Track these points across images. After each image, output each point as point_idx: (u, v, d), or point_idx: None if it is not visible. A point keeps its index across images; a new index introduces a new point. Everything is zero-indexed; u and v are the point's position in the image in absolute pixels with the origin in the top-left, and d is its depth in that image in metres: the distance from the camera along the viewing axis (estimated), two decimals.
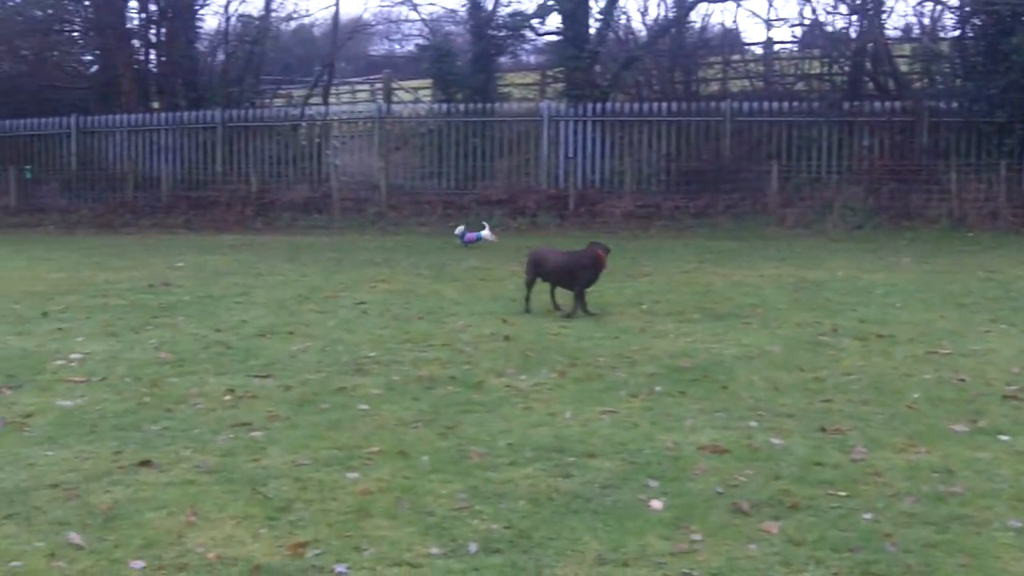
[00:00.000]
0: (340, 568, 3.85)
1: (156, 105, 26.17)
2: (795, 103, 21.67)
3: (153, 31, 26.81)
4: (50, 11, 26.83)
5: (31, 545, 4.01)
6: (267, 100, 27.75)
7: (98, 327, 9.24)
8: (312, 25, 39.53)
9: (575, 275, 9.82)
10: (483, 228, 16.80)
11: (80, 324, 9.42)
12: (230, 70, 26.56)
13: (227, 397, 6.52)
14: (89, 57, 28.38)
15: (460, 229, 17.02)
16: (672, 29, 24.66)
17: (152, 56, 27.22)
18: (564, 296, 9.99)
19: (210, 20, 34.53)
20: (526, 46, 26.92)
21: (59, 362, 7.65)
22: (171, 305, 10.58)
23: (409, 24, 31.45)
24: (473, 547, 4.05)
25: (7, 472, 4.94)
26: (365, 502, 4.55)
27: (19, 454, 5.24)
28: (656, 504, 4.55)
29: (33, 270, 14.09)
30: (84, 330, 9.09)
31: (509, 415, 6.09)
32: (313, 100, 26.71)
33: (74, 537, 4.07)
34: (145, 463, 5.05)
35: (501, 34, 24.05)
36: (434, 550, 4.02)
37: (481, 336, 8.71)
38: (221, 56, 27.36)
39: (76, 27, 28.12)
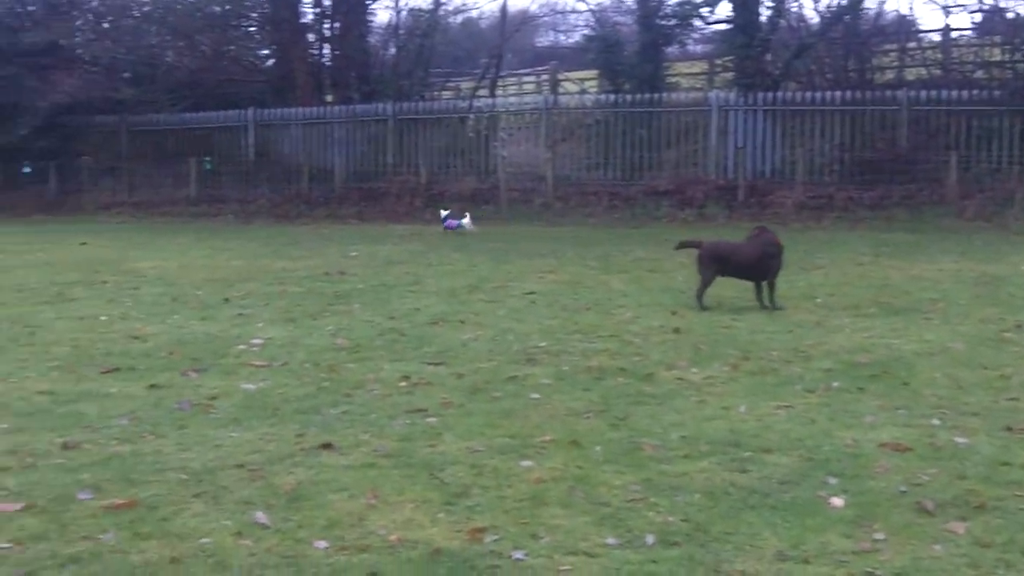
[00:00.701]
0: (518, 555, 3.87)
1: (330, 98, 26.89)
2: (975, 91, 20.82)
3: (327, 26, 27.56)
4: (228, 7, 27.85)
5: (219, 523, 4.16)
6: (436, 93, 28.20)
7: (277, 313, 9.55)
8: (479, 18, 39.96)
9: (767, 265, 9.56)
10: (464, 217, 18.51)
11: (260, 310, 9.75)
12: (401, 63, 27.08)
13: (402, 383, 6.64)
14: (265, 52, 29.37)
15: (444, 213, 18.71)
16: (846, 16, 23.98)
17: (326, 50, 27.97)
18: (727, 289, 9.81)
19: (381, 15, 35.31)
20: (694, 35, 26.61)
21: (241, 347, 7.93)
22: (346, 293, 10.86)
23: (576, 15, 31.56)
24: (650, 539, 4.02)
25: (195, 452, 5.13)
26: (539, 490, 4.57)
27: (206, 435, 5.45)
28: (837, 501, 4.43)
29: (214, 258, 14.67)
30: (264, 316, 9.40)
31: (681, 408, 6.02)
32: (480, 92, 27.00)
33: (260, 516, 4.20)
34: (326, 446, 5.19)
35: (669, 23, 23.82)
36: (610, 540, 4.00)
37: (650, 328, 8.65)
38: (392, 50, 27.92)
39: (253, 22, 29.12)
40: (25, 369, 7.14)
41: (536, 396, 6.32)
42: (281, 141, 25.12)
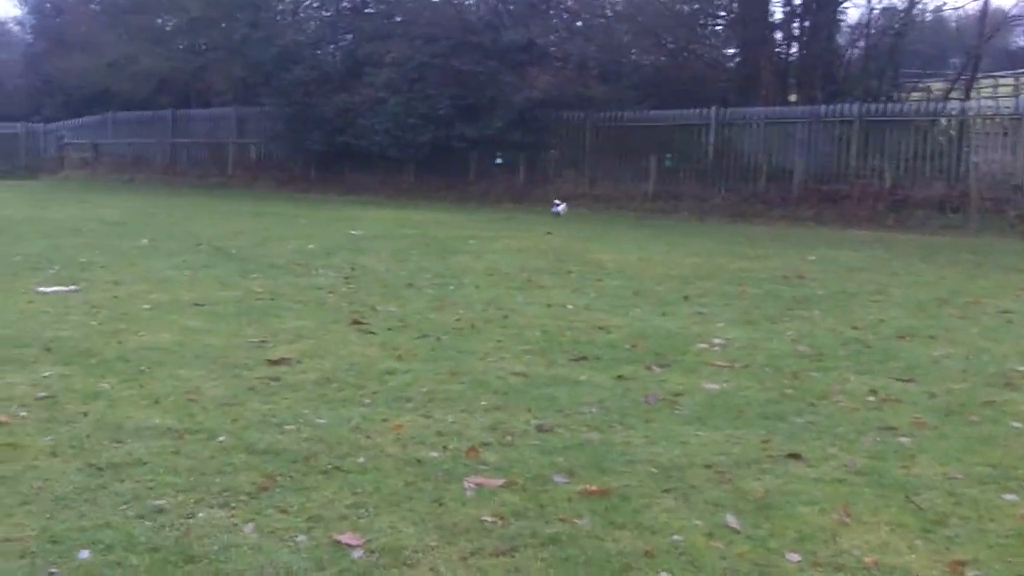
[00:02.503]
0: None
1: (793, 98, 26.48)
2: None
3: (796, 24, 27.13)
4: (696, 6, 28.19)
5: (689, 521, 4.19)
6: (904, 94, 26.97)
7: (736, 314, 9.53)
8: (952, 17, 37.77)
9: None
10: (562, 204, 22.97)
11: (718, 310, 9.77)
12: (870, 63, 26.14)
13: (870, 398, 6.39)
14: (731, 51, 29.41)
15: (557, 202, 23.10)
16: None
17: (793, 49, 27.58)
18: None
19: (851, 12, 34.31)
20: None
21: (701, 345, 7.98)
22: (805, 298, 10.64)
23: None
24: None
25: (663, 447, 5.22)
26: None
27: (671, 431, 5.52)
28: None
29: (671, 254, 14.91)
30: (723, 316, 9.42)
31: None
32: (953, 94, 25.49)
33: (731, 520, 4.19)
34: (793, 455, 5.09)
35: None
36: None
37: None
38: (860, 48, 27.03)
39: (720, 21, 29.26)
40: (501, 350, 7.61)
41: (1017, 425, 5.84)
42: (741, 140, 25.07)
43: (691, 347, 7.90)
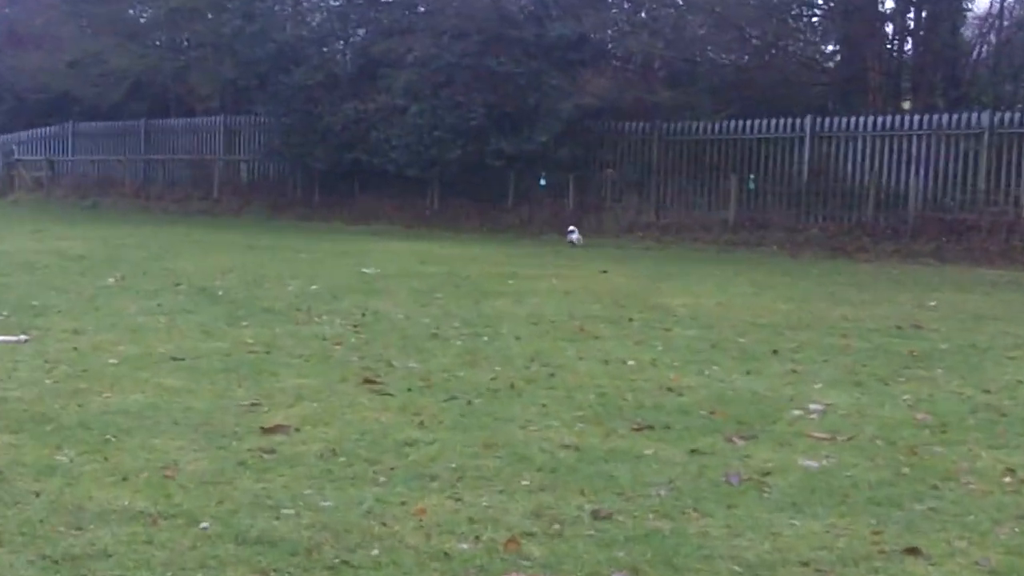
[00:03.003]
0: None
1: (907, 106, 26.45)
2: None
3: (911, 15, 27.12)
4: None
5: None
6: None
7: (839, 373, 9.47)
8: None
9: None
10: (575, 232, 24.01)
11: (817, 368, 9.72)
12: (1002, 62, 26.08)
13: (1006, 479, 6.32)
14: (830, 47, 29.45)
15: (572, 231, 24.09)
16: None
17: (907, 46, 27.56)
18: None
19: (980, 1, 34.27)
20: None
21: (796, 412, 7.93)
22: (925, 353, 10.57)
23: None
24: None
25: (748, 539, 5.18)
26: None
27: (760, 519, 5.48)
28: None
29: (757, 298, 14.88)
30: (822, 375, 9.36)
31: None
32: None
33: None
34: (911, 550, 5.04)
35: None
36: None
37: None
38: (991, 44, 26.97)
39: (817, 11, 29.31)
40: (547, 416, 7.60)
41: None
42: (843, 157, 25.05)
43: (783, 414, 7.85)
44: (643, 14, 30.07)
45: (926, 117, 24.34)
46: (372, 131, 29.28)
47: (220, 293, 13.99)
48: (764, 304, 14.14)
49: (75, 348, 9.79)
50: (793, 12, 29.19)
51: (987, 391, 8.85)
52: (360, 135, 29.51)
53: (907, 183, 23.65)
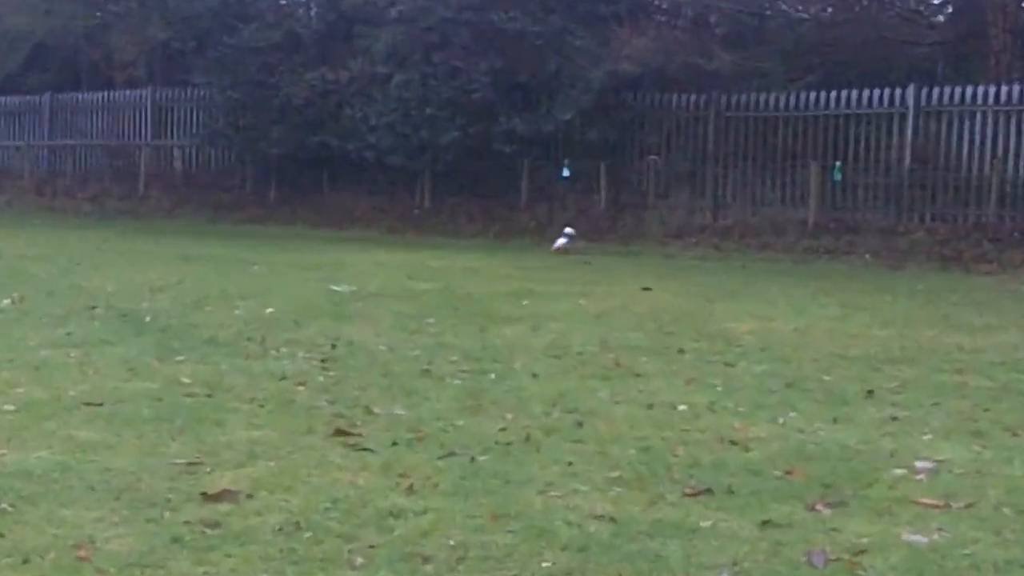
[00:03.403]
0: None
1: None
2: None
3: None
4: None
5: None
6: None
7: (953, 420, 9.44)
8: None
9: None
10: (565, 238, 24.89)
11: (924, 412, 9.69)
12: None
13: None
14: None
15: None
16: None
17: None
18: None
19: None
20: None
21: (898, 471, 7.91)
22: None
23: None
24: None
25: None
26: None
27: None
28: None
29: (846, 322, 14.87)
30: (931, 422, 9.33)
31: None
32: None
33: None
34: None
35: None
36: None
37: None
38: None
39: None
40: (574, 478, 7.57)
41: None
42: (956, 139, 24.99)
43: (882, 474, 7.84)
44: None
45: None
46: (345, 107, 29.29)
47: (148, 319, 13.99)
48: (855, 331, 14.12)
49: None
50: None
51: None
52: (329, 113, 29.53)
53: None
